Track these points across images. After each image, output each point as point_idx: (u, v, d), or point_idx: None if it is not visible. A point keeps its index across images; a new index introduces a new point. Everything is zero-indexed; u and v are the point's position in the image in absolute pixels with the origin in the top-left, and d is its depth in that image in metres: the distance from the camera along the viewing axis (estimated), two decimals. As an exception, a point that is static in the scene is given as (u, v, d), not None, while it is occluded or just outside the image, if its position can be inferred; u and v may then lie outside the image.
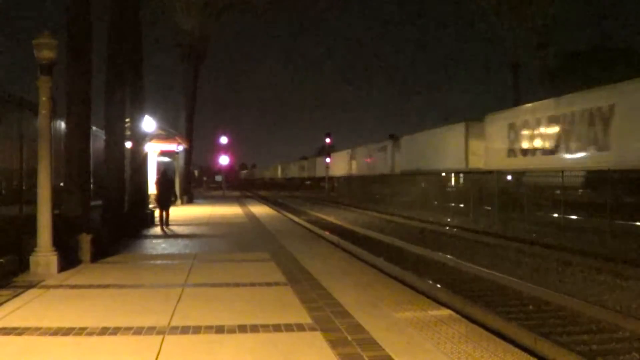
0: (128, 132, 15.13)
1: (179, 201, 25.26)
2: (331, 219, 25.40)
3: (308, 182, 72.97)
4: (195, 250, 10.90)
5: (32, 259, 7.98)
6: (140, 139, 16.11)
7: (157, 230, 15.11)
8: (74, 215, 9.59)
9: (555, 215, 19.07)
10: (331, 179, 56.22)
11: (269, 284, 7.34)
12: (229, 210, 24.32)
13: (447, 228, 19.94)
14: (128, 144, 15.28)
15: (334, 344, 4.64)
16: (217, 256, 10.23)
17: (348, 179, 49.67)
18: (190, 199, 31.09)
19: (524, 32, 36.71)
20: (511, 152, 21.80)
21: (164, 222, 15.46)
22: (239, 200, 35.45)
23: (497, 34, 38.52)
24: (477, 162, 24.72)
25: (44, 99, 8.01)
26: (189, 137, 31.68)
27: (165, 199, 15.85)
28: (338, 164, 52.72)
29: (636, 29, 67.52)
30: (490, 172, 23.39)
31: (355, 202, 37.07)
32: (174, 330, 5.10)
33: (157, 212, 16.29)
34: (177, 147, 27.40)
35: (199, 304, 6.21)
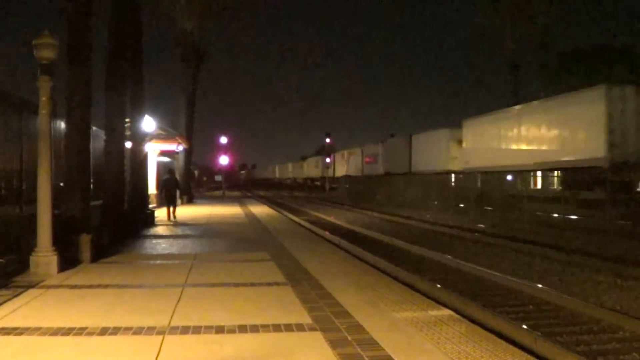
0: (128, 132, 15.10)
1: (179, 201, 25.26)
2: (331, 219, 25.38)
3: (308, 182, 72.95)
4: (195, 251, 10.89)
5: (32, 259, 7.97)
6: (140, 139, 16.08)
7: (157, 230, 15.13)
8: (74, 215, 9.57)
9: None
10: (331, 179, 56.20)
11: (269, 284, 7.34)
12: (228, 210, 24.31)
13: (447, 228, 19.97)
14: (128, 144, 15.25)
15: (334, 344, 4.64)
16: (217, 256, 10.23)
17: (348, 179, 49.65)
18: (190, 199, 31.07)
19: (525, 31, 36.68)
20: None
21: (172, 215, 18.13)
22: (238, 200, 35.44)
23: (497, 33, 38.52)
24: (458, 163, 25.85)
25: (44, 99, 7.99)
26: (189, 137, 31.63)
27: (172, 196, 18.31)
28: (338, 164, 52.73)
29: (636, 28, 67.40)
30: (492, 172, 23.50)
31: (355, 202, 37.04)
32: (174, 330, 5.10)
33: (157, 212, 16.60)
34: (177, 147, 27.36)
35: (199, 304, 6.20)
